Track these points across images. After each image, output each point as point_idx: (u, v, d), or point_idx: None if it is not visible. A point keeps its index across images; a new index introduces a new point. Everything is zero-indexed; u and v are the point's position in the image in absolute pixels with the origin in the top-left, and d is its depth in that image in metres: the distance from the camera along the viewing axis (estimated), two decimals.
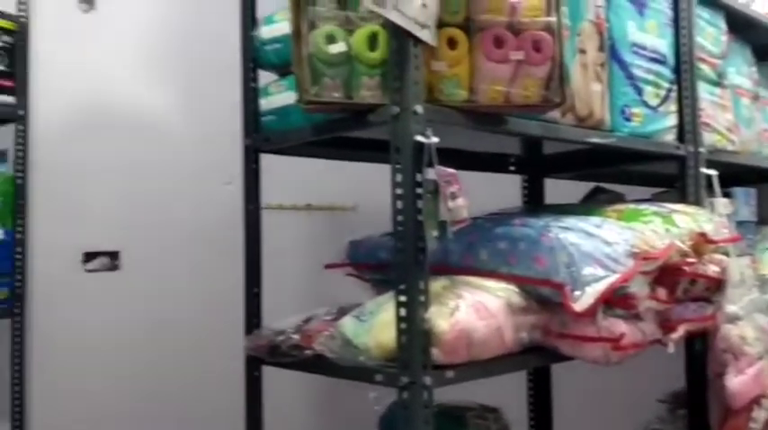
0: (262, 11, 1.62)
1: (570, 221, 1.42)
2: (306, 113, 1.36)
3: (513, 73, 1.30)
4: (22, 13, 2.12)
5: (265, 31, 1.52)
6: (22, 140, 2.11)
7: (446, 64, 1.27)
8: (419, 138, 1.20)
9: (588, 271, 1.33)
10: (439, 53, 1.27)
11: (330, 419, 2.95)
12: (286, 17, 1.46)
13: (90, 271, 2.52)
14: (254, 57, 1.57)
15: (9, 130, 2.13)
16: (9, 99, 2.07)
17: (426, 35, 1.21)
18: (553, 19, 1.32)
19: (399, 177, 1.21)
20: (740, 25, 2.13)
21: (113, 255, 2.57)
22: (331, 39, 1.24)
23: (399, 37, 1.21)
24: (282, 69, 1.53)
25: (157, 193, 2.66)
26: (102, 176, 2.54)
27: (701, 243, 1.53)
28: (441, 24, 1.27)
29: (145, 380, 2.58)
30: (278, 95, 1.51)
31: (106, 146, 2.56)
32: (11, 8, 2.13)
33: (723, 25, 2.04)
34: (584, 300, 1.31)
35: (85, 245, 2.51)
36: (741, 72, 2.17)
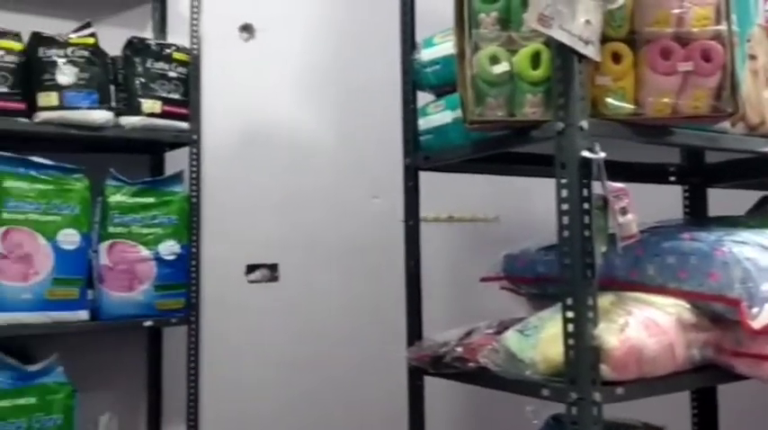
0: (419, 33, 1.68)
1: (744, 235, 1.36)
2: (465, 131, 1.40)
3: (682, 84, 1.28)
4: (194, 46, 2.31)
5: (425, 54, 1.58)
6: (196, 162, 2.29)
7: (611, 78, 1.27)
8: (585, 153, 1.20)
9: (766, 286, 1.27)
10: (603, 67, 1.27)
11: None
12: (445, 39, 1.52)
13: (252, 282, 2.71)
14: (413, 79, 1.63)
15: (184, 153, 2.33)
16: (184, 125, 2.27)
17: (591, 51, 1.22)
18: (723, 27, 1.28)
19: (565, 193, 1.22)
20: None
21: (273, 267, 2.75)
22: (494, 60, 1.28)
23: (563, 54, 1.22)
24: (440, 89, 1.58)
25: (312, 209, 2.81)
26: (264, 194, 2.72)
27: None
28: (604, 39, 1.27)
29: (303, 382, 2.73)
30: (436, 115, 1.56)
31: (267, 166, 2.74)
32: (185, 41, 2.34)
33: None
34: (763, 316, 1.26)
35: (248, 258, 2.70)
36: None
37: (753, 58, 1.48)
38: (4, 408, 1.96)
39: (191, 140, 2.28)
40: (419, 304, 1.65)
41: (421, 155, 1.63)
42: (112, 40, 2.22)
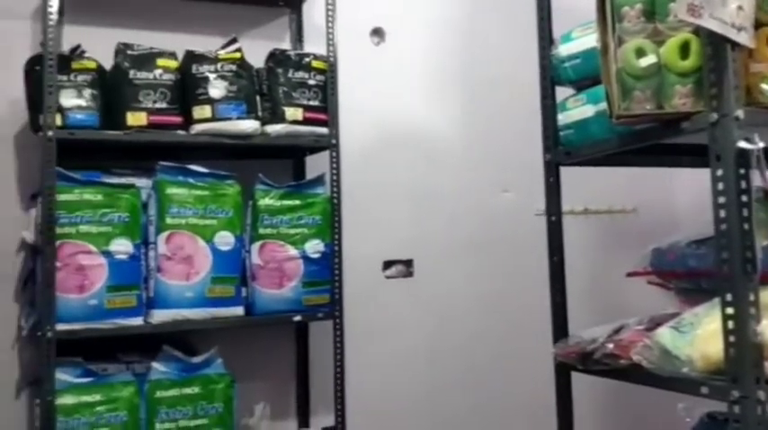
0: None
1: None
2: (608, 125, 1.39)
3: None
4: (330, 54, 2.41)
5: (563, 49, 1.58)
6: (336, 165, 2.40)
7: (767, 65, 1.21)
8: (742, 144, 1.16)
9: None
10: (758, 54, 1.21)
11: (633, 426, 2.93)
12: (584, 33, 1.51)
13: (389, 277, 2.79)
14: (551, 74, 1.63)
15: (323, 157, 2.44)
16: (324, 130, 2.38)
17: (744, 38, 1.17)
18: None
19: (721, 185, 1.18)
20: None
21: (408, 263, 2.82)
22: (640, 52, 1.26)
23: (715, 43, 1.19)
24: (580, 84, 1.57)
25: (444, 204, 2.86)
26: (398, 192, 2.80)
27: None
28: (758, 24, 1.22)
29: (440, 373, 2.79)
30: (576, 109, 1.56)
31: (399, 164, 2.82)
32: (320, 49, 2.45)
33: None
34: None
35: (385, 254, 2.78)
36: None
37: None
38: (172, 397, 2.15)
39: (330, 144, 2.39)
40: (564, 300, 1.65)
41: (562, 150, 1.63)
42: (254, 51, 2.36)
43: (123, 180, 2.20)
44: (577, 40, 1.53)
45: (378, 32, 2.87)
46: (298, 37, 2.70)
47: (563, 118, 1.60)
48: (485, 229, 2.91)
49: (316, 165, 2.58)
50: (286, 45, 2.68)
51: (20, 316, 2.25)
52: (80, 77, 2.13)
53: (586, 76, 1.51)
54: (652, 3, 1.28)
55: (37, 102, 2.09)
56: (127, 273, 2.11)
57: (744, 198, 1.16)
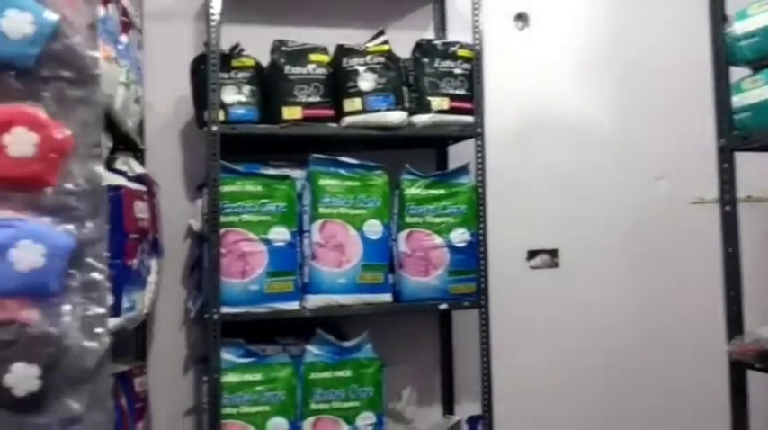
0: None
1: None
2: None
3: None
4: (476, 42, 2.39)
5: (738, 27, 1.47)
6: (481, 154, 2.38)
7: None
8: None
9: None
10: None
11: None
12: (762, 9, 1.40)
13: (533, 268, 2.75)
14: (725, 54, 1.52)
15: (467, 146, 2.44)
16: (469, 119, 2.37)
17: None
18: None
19: None
20: None
21: (553, 253, 2.76)
22: None
23: None
24: (757, 64, 1.46)
25: (592, 192, 2.77)
26: (543, 180, 2.75)
27: None
28: None
29: (590, 368, 2.72)
30: (753, 91, 1.45)
31: (545, 151, 2.76)
32: (464, 36, 2.44)
33: None
34: None
35: (529, 244, 2.74)
36: None
37: None
38: (326, 379, 2.24)
39: (475, 133, 2.38)
40: (739, 295, 1.55)
41: (737, 135, 1.52)
42: (400, 42, 2.39)
43: (279, 171, 2.31)
44: (755, 16, 1.42)
45: (522, 17, 2.82)
46: (441, 26, 2.71)
47: (738, 100, 1.50)
48: (637, 218, 2.80)
49: (459, 153, 2.58)
50: (430, 34, 2.70)
51: (187, 299, 2.43)
52: (240, 74, 2.26)
53: (765, 56, 1.40)
54: None
55: (202, 98, 2.23)
56: (284, 260, 2.22)
57: None
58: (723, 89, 1.50)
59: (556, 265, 2.77)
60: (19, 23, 0.79)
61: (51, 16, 0.80)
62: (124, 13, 2.01)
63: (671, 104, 2.78)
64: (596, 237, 2.77)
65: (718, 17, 1.53)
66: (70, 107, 0.81)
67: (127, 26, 2.03)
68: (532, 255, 2.76)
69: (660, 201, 2.80)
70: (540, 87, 2.77)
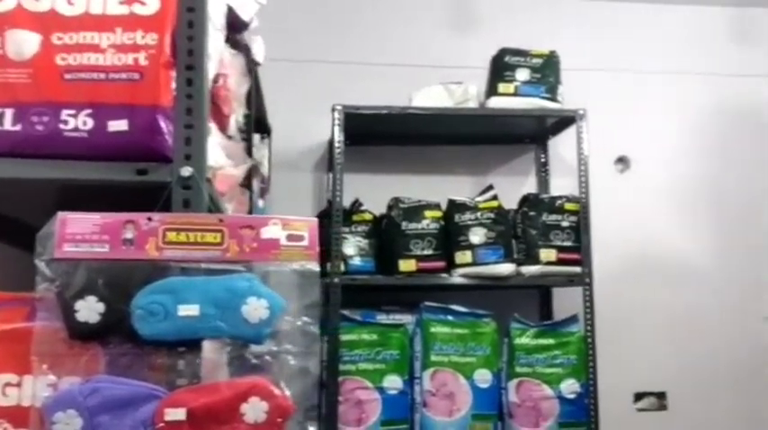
0: None
1: None
2: None
3: None
4: (582, 195, 2.49)
5: None
6: (589, 303, 2.43)
7: None
8: None
9: None
10: None
11: None
12: None
13: (640, 410, 2.74)
14: None
15: (573, 293, 2.50)
16: (576, 269, 2.44)
17: None
18: None
19: None
20: None
21: (660, 396, 2.75)
22: None
23: None
24: None
25: (699, 333, 2.77)
26: (649, 321, 2.77)
27: None
28: None
29: None
30: None
31: (649, 294, 2.80)
32: (567, 181, 2.55)
33: None
34: None
35: (636, 385, 2.75)
36: None
37: None
38: None
39: (583, 283, 2.44)
40: None
41: None
42: (503, 186, 2.54)
43: (392, 318, 2.43)
44: None
45: (623, 160, 2.92)
46: (543, 170, 2.83)
47: None
48: (746, 359, 2.78)
49: (562, 293, 2.65)
50: (532, 178, 2.82)
51: None
52: (359, 228, 2.42)
53: None
54: None
55: (323, 250, 2.39)
56: (397, 408, 2.31)
57: None
58: None
59: (664, 408, 2.75)
60: (257, 309, 0.93)
61: (281, 301, 0.94)
62: (262, 179, 2.21)
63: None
64: (706, 380, 2.75)
65: None
66: (293, 376, 0.95)
67: (264, 191, 2.23)
68: (639, 397, 2.76)
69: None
70: (641, 230, 2.84)
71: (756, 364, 2.77)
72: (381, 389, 2.30)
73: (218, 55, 1.09)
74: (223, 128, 1.23)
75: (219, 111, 1.18)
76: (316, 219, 1.02)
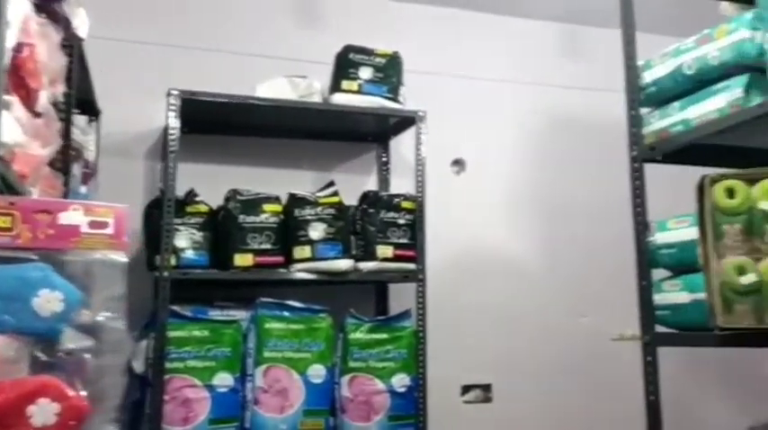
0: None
1: None
2: (705, 312, 1.46)
3: None
4: (419, 194, 2.56)
5: (660, 237, 1.68)
6: (422, 299, 2.51)
7: None
8: None
9: None
10: None
11: None
12: (680, 226, 1.61)
13: (467, 402, 2.86)
14: (648, 257, 1.72)
15: (409, 290, 2.56)
16: (411, 266, 2.50)
17: None
18: None
19: None
20: None
21: (486, 388, 2.89)
22: (741, 270, 1.35)
23: None
24: (677, 269, 1.66)
25: (522, 328, 2.94)
26: (478, 316, 2.89)
27: None
28: None
29: None
30: (672, 294, 1.64)
31: (479, 291, 2.92)
32: (407, 180, 2.61)
33: None
34: None
35: (463, 379, 2.86)
36: None
37: None
38: None
39: (417, 279, 2.51)
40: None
41: (659, 332, 1.71)
42: (344, 183, 2.54)
43: (226, 314, 2.36)
44: (674, 230, 1.63)
45: (459, 162, 3.03)
46: (384, 168, 2.88)
47: (659, 298, 1.69)
48: (563, 354, 2.97)
49: (398, 289, 2.71)
50: (373, 176, 2.86)
51: None
52: (193, 220, 2.33)
53: (683, 264, 1.61)
54: (750, 223, 1.38)
55: (153, 242, 2.28)
56: (227, 406, 2.25)
57: None
58: (645, 289, 1.70)
59: (489, 400, 2.89)
60: (50, 302, 0.86)
61: (78, 293, 0.87)
62: (86, 164, 2.07)
63: (594, 246, 3.00)
64: (527, 373, 2.92)
65: (641, 225, 1.74)
66: (94, 375, 0.88)
67: (88, 176, 2.08)
68: (466, 390, 2.88)
69: (585, 338, 2.98)
70: (473, 230, 2.96)
71: (573, 358, 2.98)
72: (211, 387, 2.23)
73: (19, 21, 0.99)
74: (29, 103, 1.12)
75: (24, 83, 1.08)
76: (124, 206, 0.95)
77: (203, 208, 2.36)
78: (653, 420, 1.68)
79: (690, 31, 1.71)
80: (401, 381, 2.43)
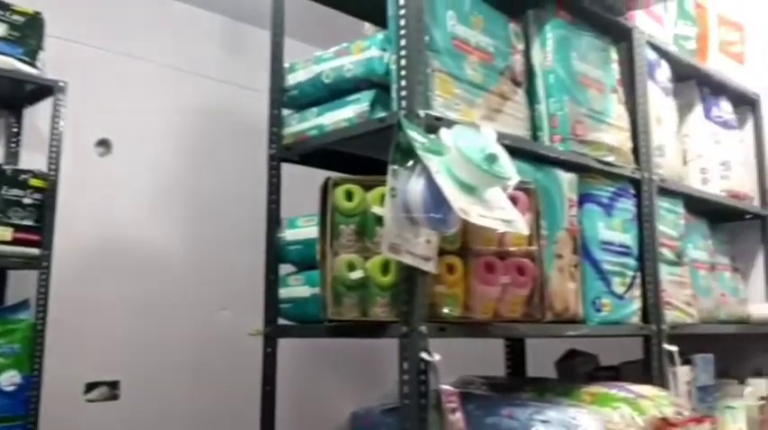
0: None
1: (550, 414, 1.61)
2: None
3: (502, 293, 1.54)
4: (51, 172, 2.32)
5: (289, 234, 1.75)
6: (44, 288, 2.27)
7: (446, 287, 1.50)
8: (424, 355, 1.41)
9: None
10: (440, 277, 1.49)
11: None
12: (308, 224, 1.70)
13: (90, 400, 2.67)
14: (277, 253, 1.78)
15: (32, 278, 2.30)
16: (35, 251, 2.25)
17: (430, 266, 1.44)
18: (534, 248, 1.57)
19: (406, 389, 1.40)
20: (695, 205, 2.42)
21: (113, 385, 2.73)
22: (351, 266, 1.47)
23: (409, 267, 1.43)
24: (301, 265, 1.75)
25: (158, 322, 2.84)
26: (110, 309, 2.72)
27: (664, 427, 1.74)
28: (441, 252, 1.49)
29: None
30: (296, 288, 1.72)
31: (115, 280, 2.75)
32: (41, 158, 2.35)
33: (681, 209, 2.30)
34: None
35: (88, 376, 2.66)
36: (698, 246, 2.44)
37: (559, 257, 1.78)
38: None
39: (41, 266, 2.27)
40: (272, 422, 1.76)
41: (280, 325, 1.78)
42: None
43: None
44: (302, 228, 1.71)
45: (105, 143, 2.82)
46: (15, 139, 2.55)
47: (285, 292, 1.75)
48: (202, 347, 2.94)
49: (19, 276, 2.42)
50: (1, 147, 2.52)
51: None
52: None
53: (307, 260, 1.69)
54: (363, 225, 1.51)
55: None
56: None
57: (422, 401, 1.39)
58: (272, 282, 1.75)
59: (116, 397, 2.73)
60: None
61: None
62: None
63: (238, 238, 3.01)
64: (159, 367, 2.82)
65: (273, 223, 1.79)
66: None
67: None
68: (91, 387, 2.68)
69: (224, 331, 2.99)
70: (114, 217, 2.78)
71: (209, 353, 2.96)
72: None
73: None
74: None
75: None
76: None
77: None
78: (267, 411, 1.74)
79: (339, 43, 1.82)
80: (10, 379, 2.17)
